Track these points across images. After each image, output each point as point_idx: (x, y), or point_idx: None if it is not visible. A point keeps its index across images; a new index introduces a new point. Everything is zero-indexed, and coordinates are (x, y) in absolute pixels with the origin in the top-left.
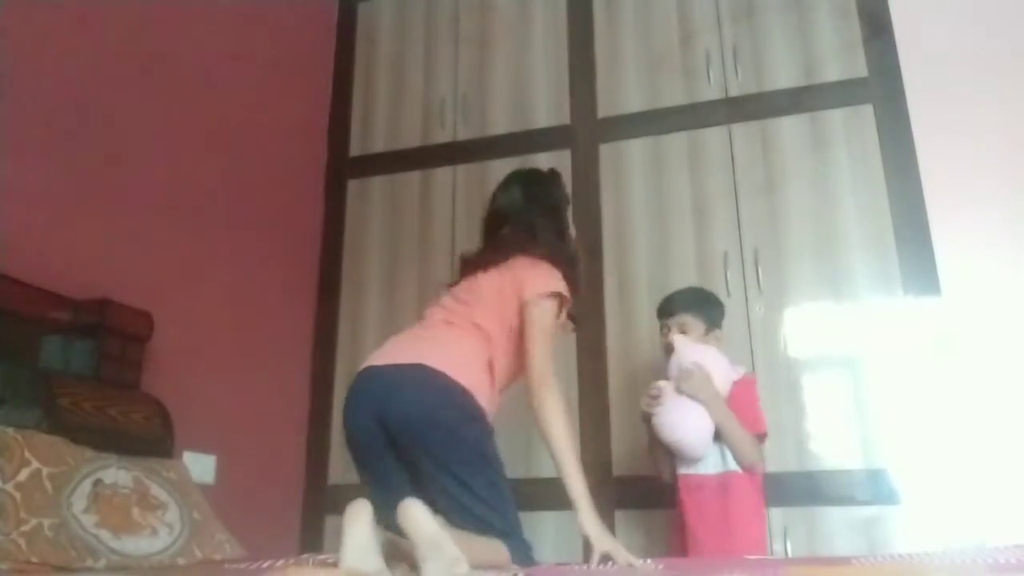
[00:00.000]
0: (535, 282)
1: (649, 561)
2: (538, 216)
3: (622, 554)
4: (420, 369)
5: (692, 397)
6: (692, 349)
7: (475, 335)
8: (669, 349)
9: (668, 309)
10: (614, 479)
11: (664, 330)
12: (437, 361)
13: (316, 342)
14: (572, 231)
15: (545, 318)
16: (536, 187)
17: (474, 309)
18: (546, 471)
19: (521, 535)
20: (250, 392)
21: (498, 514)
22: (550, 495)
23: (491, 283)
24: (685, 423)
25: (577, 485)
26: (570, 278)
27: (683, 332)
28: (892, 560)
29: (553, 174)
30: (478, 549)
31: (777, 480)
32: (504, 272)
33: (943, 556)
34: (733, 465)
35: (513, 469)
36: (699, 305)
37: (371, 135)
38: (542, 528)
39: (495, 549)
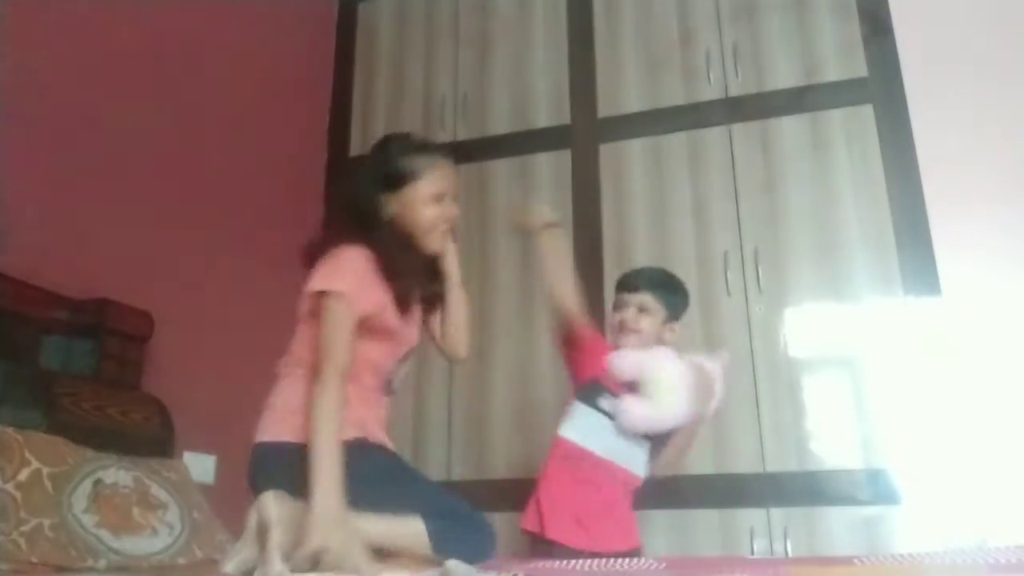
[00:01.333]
0: (314, 277)
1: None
2: (359, 187)
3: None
4: (256, 454)
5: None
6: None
7: (294, 370)
8: (624, 329)
9: (631, 283)
10: None
11: (622, 307)
12: (266, 431)
13: None
14: (402, 210)
15: (326, 315)
16: (371, 156)
17: (294, 336)
18: None
19: (447, 515)
20: (250, 392)
21: (412, 509)
22: None
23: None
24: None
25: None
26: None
27: (642, 311)
28: (893, 560)
29: (392, 138)
30: (385, 529)
31: (777, 480)
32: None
33: (943, 556)
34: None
35: (512, 469)
36: (665, 288)
37: (371, 135)
38: None
39: (408, 527)
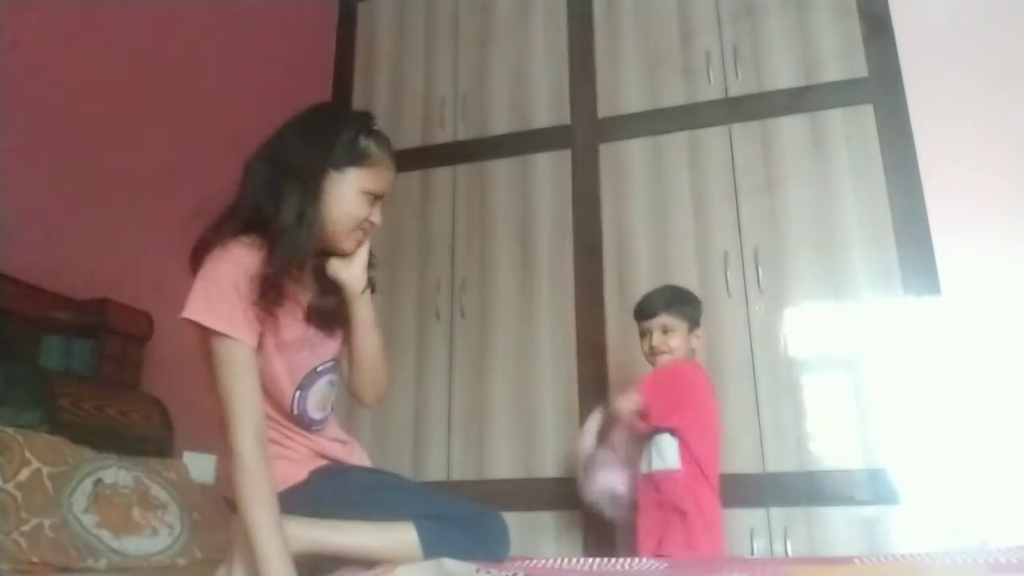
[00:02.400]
0: (188, 299)
1: None
2: (292, 145)
3: None
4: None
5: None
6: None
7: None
8: (656, 353)
9: (646, 311)
10: None
11: (646, 334)
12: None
13: None
14: (331, 193)
15: (217, 364)
16: (315, 119)
17: None
18: (545, 471)
19: (440, 518)
20: None
21: (403, 513)
22: (549, 495)
23: None
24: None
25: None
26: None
27: (665, 333)
28: (893, 560)
29: (354, 113)
30: (375, 537)
31: (777, 480)
32: None
33: (943, 556)
34: (660, 464)
35: (512, 469)
36: (679, 303)
37: None
38: (542, 528)
39: (397, 532)
